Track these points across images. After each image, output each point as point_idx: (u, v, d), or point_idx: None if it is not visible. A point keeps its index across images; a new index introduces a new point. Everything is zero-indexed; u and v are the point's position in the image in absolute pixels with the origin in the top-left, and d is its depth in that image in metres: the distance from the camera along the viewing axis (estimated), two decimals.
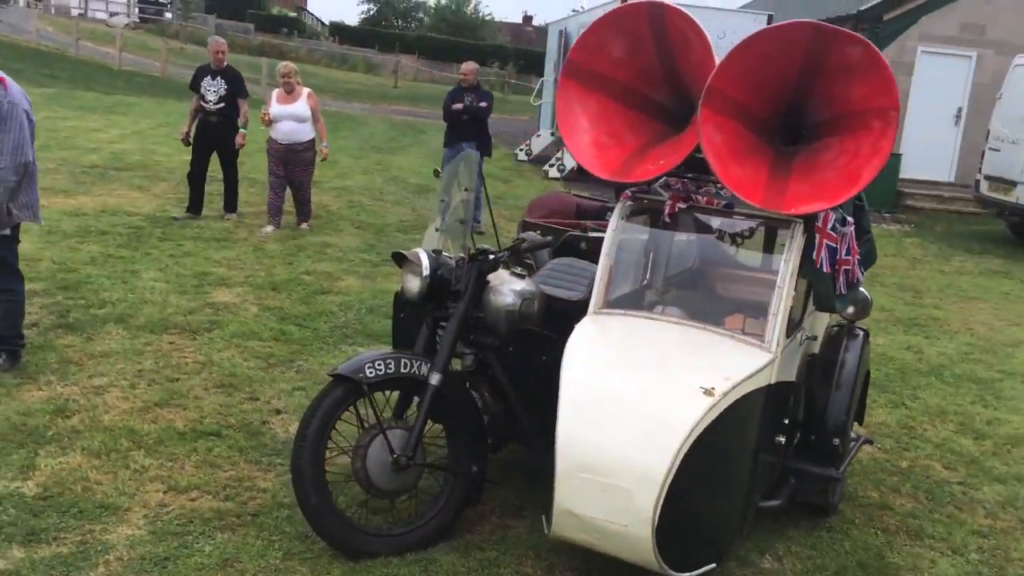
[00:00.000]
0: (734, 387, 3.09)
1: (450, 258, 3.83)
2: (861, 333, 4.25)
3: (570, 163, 16.66)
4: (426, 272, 3.73)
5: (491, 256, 3.81)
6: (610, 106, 3.81)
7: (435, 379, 3.64)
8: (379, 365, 3.59)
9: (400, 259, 3.90)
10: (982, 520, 4.41)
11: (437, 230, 4.00)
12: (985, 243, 13.03)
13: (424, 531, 3.69)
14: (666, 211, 3.64)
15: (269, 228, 9.42)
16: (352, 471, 3.65)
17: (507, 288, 3.88)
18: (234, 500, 3.95)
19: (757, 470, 3.36)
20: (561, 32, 18.88)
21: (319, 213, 10.63)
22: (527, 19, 70.34)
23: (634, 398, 3.09)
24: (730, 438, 3.14)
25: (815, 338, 4.24)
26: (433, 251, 3.84)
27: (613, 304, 3.70)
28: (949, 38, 15.94)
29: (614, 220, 3.69)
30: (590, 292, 4.48)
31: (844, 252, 3.70)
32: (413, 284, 3.79)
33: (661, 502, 2.92)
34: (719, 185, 3.64)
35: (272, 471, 4.25)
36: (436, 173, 4.27)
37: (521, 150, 18.77)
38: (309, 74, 33.50)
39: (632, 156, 3.69)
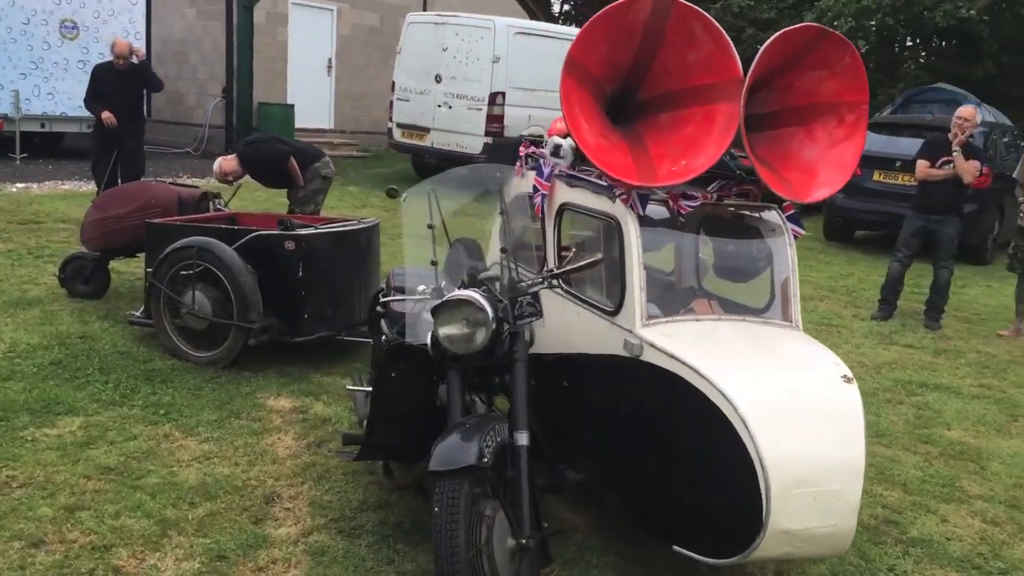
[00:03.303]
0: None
1: (496, 295, 3.17)
2: None
3: None
4: (491, 317, 3.05)
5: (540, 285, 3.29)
6: (593, 105, 3.55)
7: (524, 439, 3.08)
8: (488, 440, 2.92)
9: (437, 308, 3.08)
10: None
11: (432, 263, 3.27)
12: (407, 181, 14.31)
13: None
14: (679, 212, 3.58)
15: None
16: (474, 572, 2.89)
17: None
18: None
19: None
20: None
21: None
22: None
23: (809, 401, 3.12)
24: None
25: None
26: (483, 290, 3.13)
27: (653, 313, 3.52)
28: None
29: (634, 227, 3.46)
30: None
31: None
32: (471, 335, 3.06)
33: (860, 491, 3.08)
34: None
35: None
36: (391, 193, 3.40)
37: None
38: None
39: (633, 157, 3.51)
